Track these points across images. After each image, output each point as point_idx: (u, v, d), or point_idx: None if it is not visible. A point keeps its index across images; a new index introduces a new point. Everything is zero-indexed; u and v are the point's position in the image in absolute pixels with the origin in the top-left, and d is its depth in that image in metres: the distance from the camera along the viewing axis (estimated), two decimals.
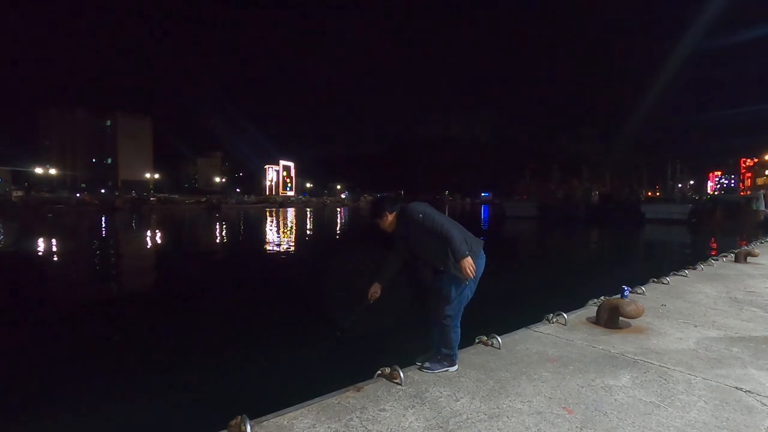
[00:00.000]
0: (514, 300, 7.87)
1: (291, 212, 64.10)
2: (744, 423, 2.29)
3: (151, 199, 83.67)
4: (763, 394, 2.63)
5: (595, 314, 4.14)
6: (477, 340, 3.48)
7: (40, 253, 17.29)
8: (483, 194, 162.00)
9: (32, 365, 5.53)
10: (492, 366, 3.03)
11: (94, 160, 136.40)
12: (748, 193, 60.62)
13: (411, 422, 2.26)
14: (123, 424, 4.05)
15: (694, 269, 7.05)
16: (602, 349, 3.38)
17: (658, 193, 60.47)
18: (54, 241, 22.11)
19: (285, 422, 2.25)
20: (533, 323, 4.01)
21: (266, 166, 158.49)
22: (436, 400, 2.51)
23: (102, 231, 30.41)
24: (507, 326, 3.85)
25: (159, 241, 23.74)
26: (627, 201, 51.42)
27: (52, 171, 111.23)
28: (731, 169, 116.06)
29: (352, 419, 2.28)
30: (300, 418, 2.29)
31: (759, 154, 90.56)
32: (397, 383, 2.70)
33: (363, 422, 2.25)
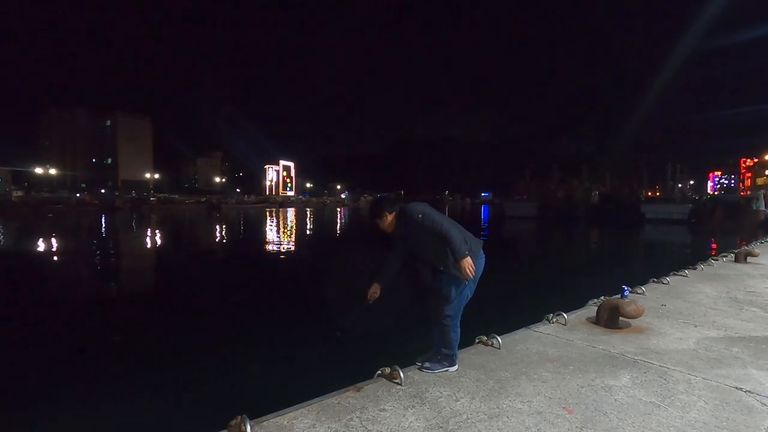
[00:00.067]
0: (514, 300, 7.87)
1: (291, 212, 64.10)
2: (744, 423, 2.29)
3: (151, 199, 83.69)
4: (763, 394, 2.63)
5: (595, 314, 4.14)
6: (477, 340, 3.48)
7: (39, 253, 17.29)
8: (483, 194, 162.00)
9: (32, 365, 5.53)
10: (492, 366, 3.03)
11: (94, 160, 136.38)
12: (748, 193, 60.62)
13: (411, 422, 2.26)
14: (123, 424, 4.05)
15: (694, 269, 7.05)
16: (602, 349, 3.38)
17: (658, 193, 60.50)
18: (54, 241, 22.11)
19: (285, 422, 2.25)
20: (533, 323, 4.01)
21: (266, 166, 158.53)
22: (436, 400, 2.51)
23: (102, 231, 30.41)
24: (507, 326, 3.85)
25: (159, 241, 23.74)
26: (627, 201, 51.43)
27: (52, 171, 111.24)
28: (731, 169, 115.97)
29: (352, 419, 2.28)
30: (300, 418, 2.29)
31: (759, 154, 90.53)
32: (397, 383, 2.70)
33: (363, 422, 2.25)
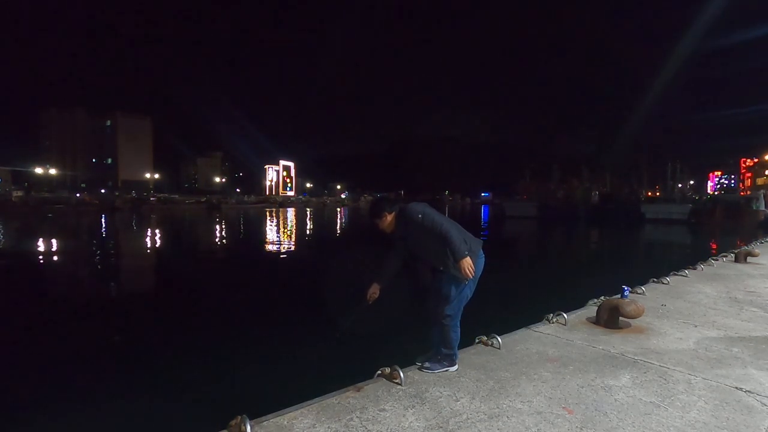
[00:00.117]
0: (514, 300, 7.87)
1: (291, 212, 64.11)
2: (744, 423, 2.29)
3: (151, 199, 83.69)
4: (763, 394, 2.63)
5: (595, 314, 4.14)
6: (477, 340, 3.48)
7: (39, 253, 17.29)
8: (483, 194, 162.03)
9: (32, 365, 5.53)
10: (492, 366, 3.03)
11: (94, 160, 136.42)
12: (748, 193, 60.60)
13: (411, 422, 2.26)
14: (123, 424, 4.05)
15: (694, 269, 7.05)
16: (602, 349, 3.38)
17: (658, 193, 60.48)
18: (54, 240, 22.10)
19: (285, 422, 2.25)
20: (533, 323, 4.01)
21: (266, 166, 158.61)
22: (436, 400, 2.51)
23: (102, 231, 30.41)
24: (507, 326, 3.85)
25: (159, 241, 23.74)
26: (627, 201, 51.43)
27: (52, 171, 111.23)
28: (731, 169, 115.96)
29: (352, 419, 2.28)
30: (300, 418, 2.29)
31: (759, 154, 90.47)
32: (397, 383, 2.70)
33: (363, 422, 2.25)
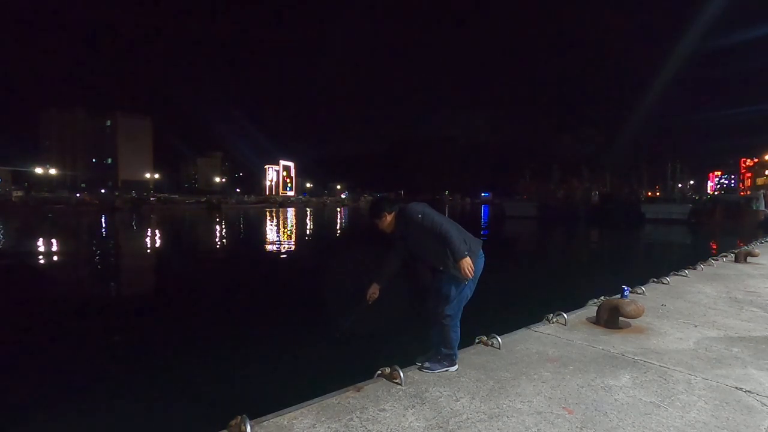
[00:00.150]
0: (514, 300, 7.87)
1: (291, 212, 64.11)
2: (744, 423, 2.29)
3: (151, 199, 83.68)
4: (763, 394, 2.63)
5: (595, 314, 4.14)
6: (477, 340, 3.48)
7: (39, 253, 17.29)
8: (483, 194, 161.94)
9: (32, 365, 5.53)
10: (492, 366, 3.03)
11: (94, 160, 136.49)
12: (748, 193, 60.60)
13: (411, 422, 2.26)
14: (123, 424, 4.05)
15: (694, 269, 7.06)
16: (602, 349, 3.38)
17: (658, 193, 60.45)
18: (54, 241, 22.11)
19: (285, 422, 2.25)
20: (533, 323, 4.02)
21: (266, 166, 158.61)
22: (436, 400, 2.51)
23: (102, 231, 30.41)
24: (507, 326, 3.85)
25: (159, 242, 23.74)
26: (627, 201, 51.39)
27: (52, 171, 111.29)
28: (731, 169, 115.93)
29: (352, 419, 2.28)
30: (300, 418, 2.29)
31: (759, 154, 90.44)
32: (397, 383, 2.70)
33: (363, 422, 2.25)
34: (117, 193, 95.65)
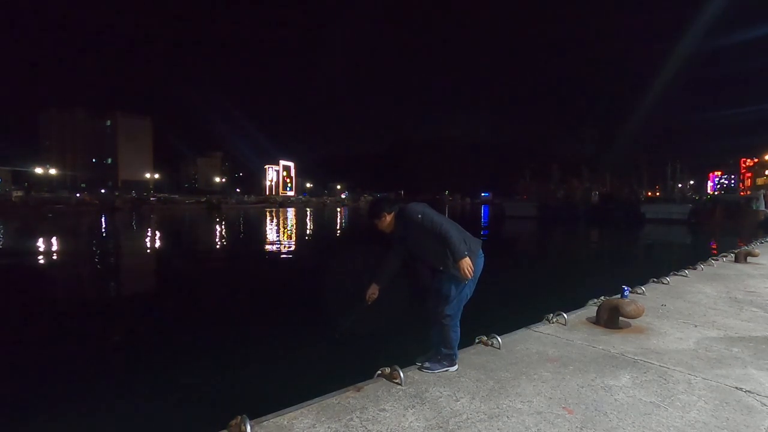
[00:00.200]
0: (514, 300, 7.87)
1: (291, 212, 64.10)
2: (744, 423, 2.29)
3: (151, 199, 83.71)
4: (763, 394, 2.63)
5: (595, 314, 4.14)
6: (477, 340, 3.48)
7: (39, 253, 17.28)
8: (483, 194, 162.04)
9: (32, 365, 5.53)
10: (492, 366, 3.03)
11: (94, 160, 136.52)
12: (748, 193, 60.58)
13: (411, 422, 2.26)
14: (123, 424, 4.05)
15: (694, 269, 7.05)
16: (602, 349, 3.38)
17: (658, 193, 60.46)
18: (54, 240, 22.10)
19: (285, 422, 2.25)
20: (533, 323, 4.01)
21: (266, 166, 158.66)
22: (436, 400, 2.51)
23: (102, 231, 30.40)
24: (507, 326, 3.85)
25: (159, 242, 23.74)
26: (627, 201, 51.38)
27: (52, 171, 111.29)
28: (731, 169, 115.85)
29: (352, 419, 2.28)
30: (300, 418, 2.29)
31: (759, 154, 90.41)
32: (397, 383, 2.70)
33: (363, 422, 2.25)
34: (117, 193, 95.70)
